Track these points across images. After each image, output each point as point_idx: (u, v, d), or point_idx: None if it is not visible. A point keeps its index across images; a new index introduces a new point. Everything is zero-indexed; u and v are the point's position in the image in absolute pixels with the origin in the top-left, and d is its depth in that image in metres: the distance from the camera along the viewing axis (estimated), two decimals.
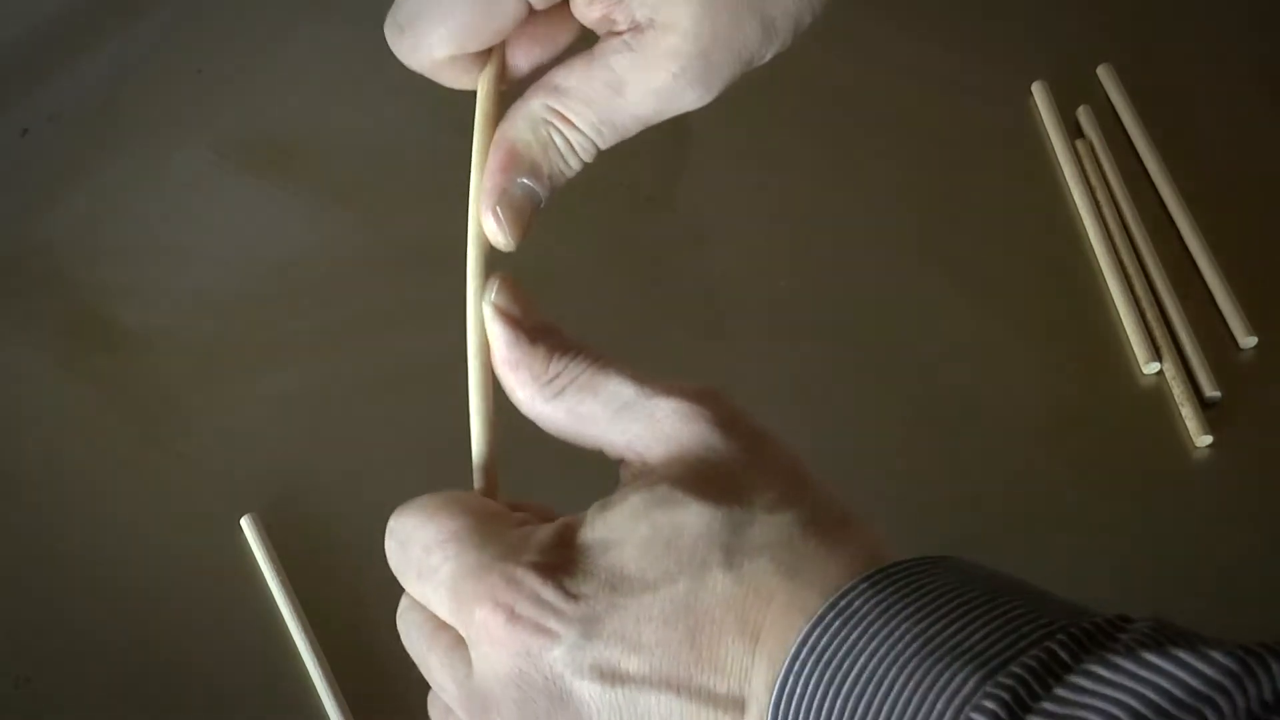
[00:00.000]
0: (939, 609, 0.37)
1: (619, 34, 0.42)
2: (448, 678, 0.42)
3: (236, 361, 0.69)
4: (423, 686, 0.44)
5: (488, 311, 0.44)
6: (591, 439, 0.43)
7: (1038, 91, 0.75)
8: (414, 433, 0.65)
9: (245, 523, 0.63)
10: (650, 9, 0.41)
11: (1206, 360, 0.66)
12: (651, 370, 0.43)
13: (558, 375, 0.43)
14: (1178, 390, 0.65)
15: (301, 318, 0.70)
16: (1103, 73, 0.75)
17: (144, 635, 0.61)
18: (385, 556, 0.44)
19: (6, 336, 0.70)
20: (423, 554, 0.41)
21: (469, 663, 0.41)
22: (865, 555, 0.39)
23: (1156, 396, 0.66)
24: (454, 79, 0.45)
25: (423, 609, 0.42)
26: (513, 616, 0.39)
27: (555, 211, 0.76)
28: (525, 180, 0.44)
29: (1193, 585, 0.61)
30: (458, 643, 0.41)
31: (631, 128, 0.43)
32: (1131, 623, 0.36)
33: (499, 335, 0.44)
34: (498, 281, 0.44)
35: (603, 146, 0.44)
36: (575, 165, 0.44)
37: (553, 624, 0.39)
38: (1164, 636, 0.35)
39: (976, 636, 0.36)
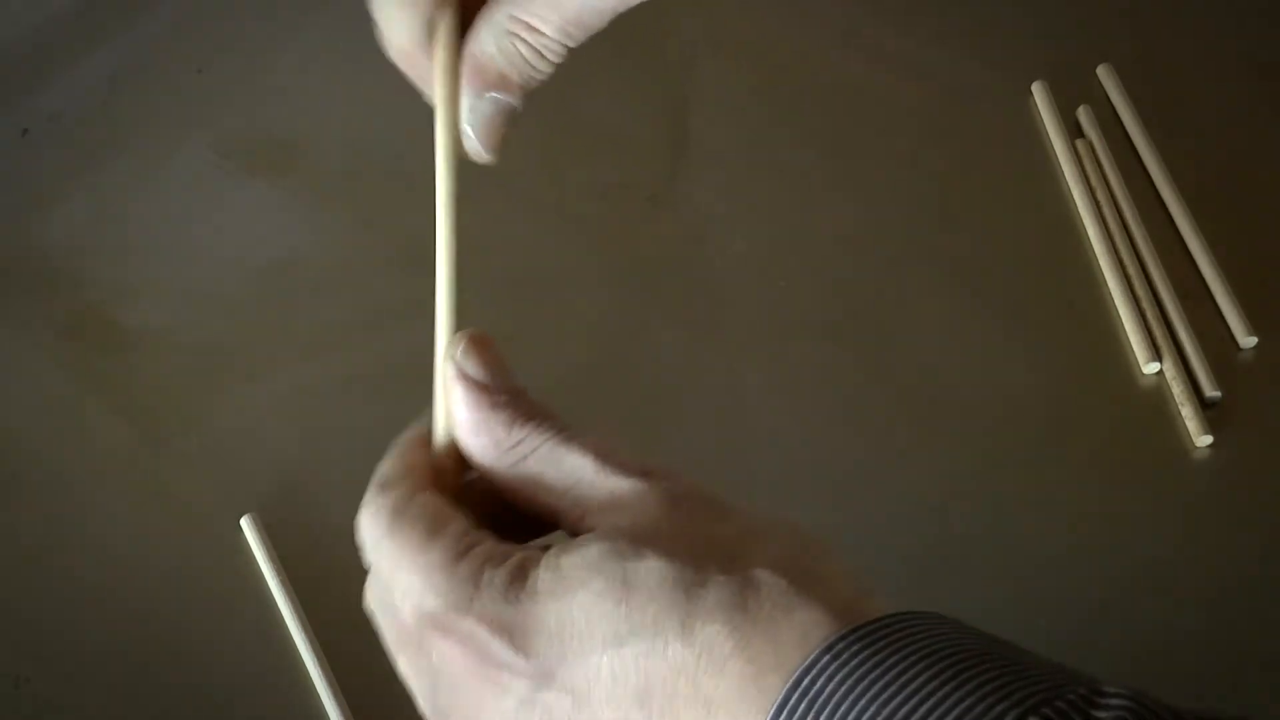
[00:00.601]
0: (907, 683, 0.35)
1: None
2: (412, 674, 0.42)
3: (236, 361, 0.69)
4: None
5: (450, 371, 0.43)
6: (547, 509, 0.42)
7: (1038, 91, 0.75)
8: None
9: (245, 523, 0.63)
10: None
11: (1206, 360, 0.66)
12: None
13: (519, 443, 0.42)
14: (1178, 390, 0.65)
15: (301, 318, 0.70)
16: (1103, 73, 0.75)
17: (144, 635, 0.61)
18: None
19: (6, 336, 0.70)
20: (388, 572, 0.42)
21: (430, 671, 0.41)
22: (828, 619, 0.37)
23: (1156, 396, 0.66)
24: (410, 20, 0.44)
25: (384, 602, 0.43)
26: (468, 665, 0.39)
27: (555, 211, 0.76)
28: (495, 94, 0.43)
29: (1192, 585, 0.61)
30: (418, 646, 0.41)
31: (598, 23, 0.43)
32: (1106, 697, 0.34)
33: (461, 398, 0.43)
34: (464, 341, 0.44)
35: (572, 45, 0.43)
36: (545, 69, 0.43)
37: (504, 678, 0.39)
38: (1143, 715, 0.34)
39: (950, 716, 0.34)
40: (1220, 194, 0.71)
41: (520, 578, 0.40)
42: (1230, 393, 0.65)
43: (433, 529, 0.41)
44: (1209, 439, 0.64)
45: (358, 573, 0.63)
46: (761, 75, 0.75)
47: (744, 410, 0.66)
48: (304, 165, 0.75)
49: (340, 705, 0.59)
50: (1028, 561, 0.61)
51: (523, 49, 0.43)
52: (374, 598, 0.44)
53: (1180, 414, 0.65)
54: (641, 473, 0.41)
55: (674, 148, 0.74)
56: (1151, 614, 0.60)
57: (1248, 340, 0.67)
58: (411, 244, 0.72)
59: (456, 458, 0.44)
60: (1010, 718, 0.34)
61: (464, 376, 0.43)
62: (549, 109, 0.78)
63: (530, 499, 0.42)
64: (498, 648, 0.39)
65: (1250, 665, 0.59)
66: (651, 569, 0.38)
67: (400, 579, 0.41)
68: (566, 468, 0.41)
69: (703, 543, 0.39)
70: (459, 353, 0.43)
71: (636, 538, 0.39)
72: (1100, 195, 0.71)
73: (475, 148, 0.44)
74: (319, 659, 0.60)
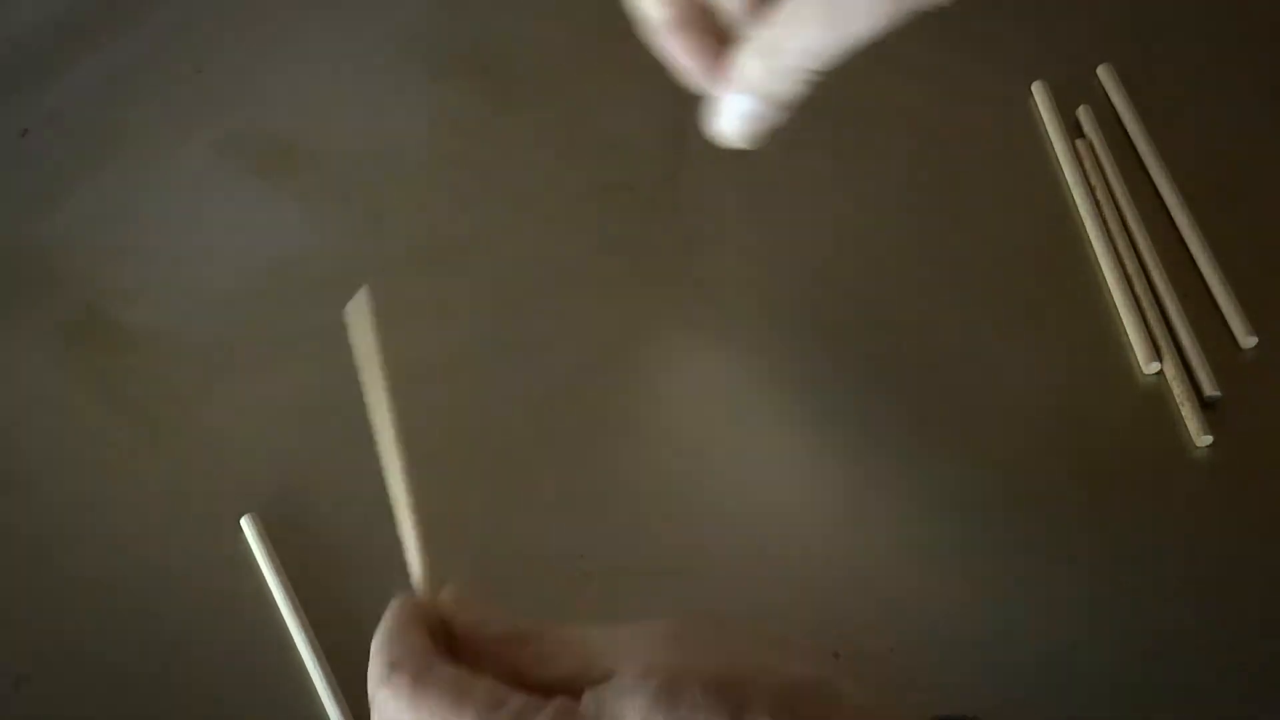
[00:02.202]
0: None
1: None
2: None
3: (236, 361, 0.69)
4: None
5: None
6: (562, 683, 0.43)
7: (1038, 91, 0.75)
8: (414, 432, 0.65)
9: (245, 523, 0.63)
10: None
11: (1206, 360, 0.66)
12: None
13: (505, 700, 0.42)
14: (1178, 390, 0.65)
15: (301, 318, 0.70)
16: (1103, 73, 0.75)
17: (144, 635, 0.61)
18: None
19: (6, 336, 0.70)
20: None
21: None
22: None
23: (1156, 396, 0.66)
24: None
25: None
26: None
27: (556, 211, 0.76)
28: (744, 95, 0.51)
29: (1192, 585, 0.61)
30: None
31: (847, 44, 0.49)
32: None
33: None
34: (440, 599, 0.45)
35: (817, 66, 0.49)
36: (790, 84, 0.50)
37: None
38: None
39: None
40: (1220, 194, 0.71)
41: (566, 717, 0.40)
42: (1230, 392, 0.65)
43: (460, 690, 0.42)
44: (1209, 438, 0.64)
45: (358, 573, 0.63)
46: None
47: (744, 410, 0.66)
48: (304, 165, 0.75)
49: (340, 705, 0.59)
50: (1027, 561, 0.61)
51: (769, 65, 0.50)
52: None
53: (1180, 414, 0.65)
54: (640, 622, 0.43)
55: (674, 148, 0.74)
56: (1152, 614, 0.60)
57: (1248, 340, 0.67)
58: (412, 244, 0.73)
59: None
60: None
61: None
62: (549, 109, 0.78)
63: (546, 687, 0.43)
64: None
65: (1250, 664, 0.59)
66: (697, 704, 0.39)
67: None
68: (567, 643, 0.43)
69: (737, 673, 0.40)
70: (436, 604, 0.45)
71: (677, 676, 0.40)
72: (1100, 195, 0.71)
73: (725, 132, 0.53)
74: (319, 659, 0.60)
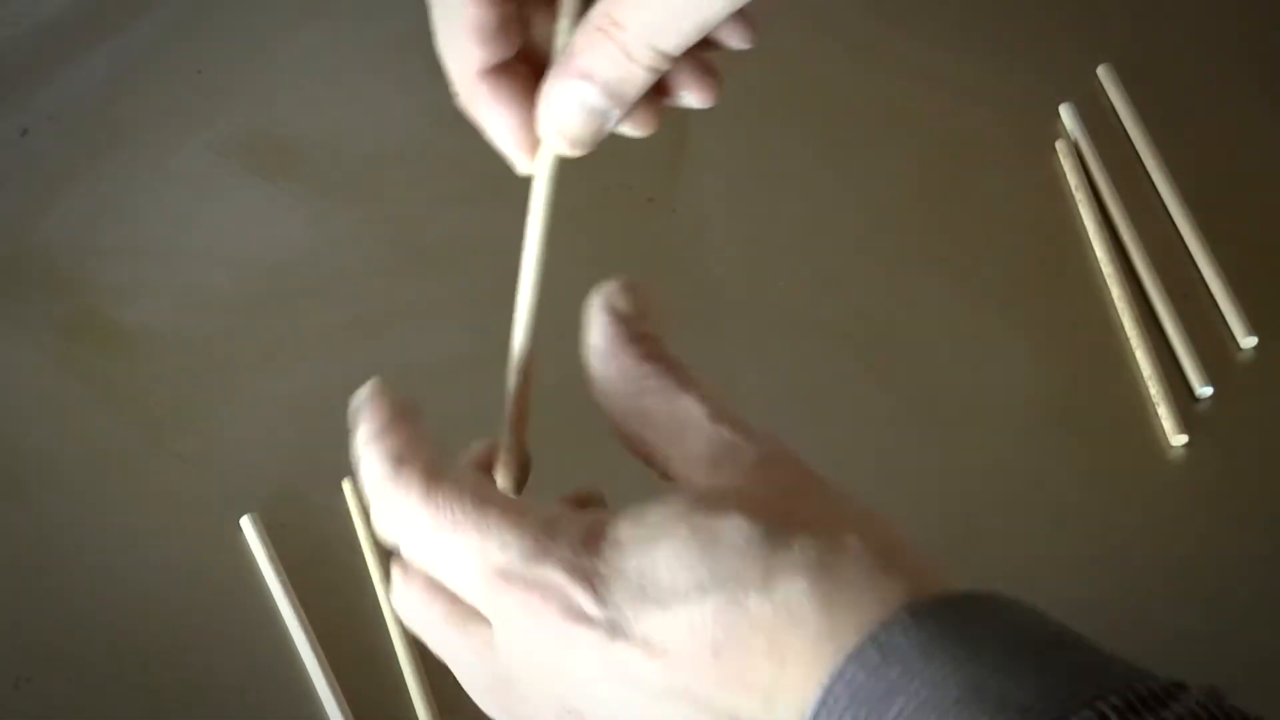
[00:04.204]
0: (984, 654, 0.35)
1: None
2: (467, 654, 0.41)
3: (236, 361, 0.69)
4: (423, 680, 0.44)
5: (598, 302, 0.44)
6: (649, 444, 0.42)
7: (1037, 92, 0.75)
8: None
9: (245, 523, 0.63)
10: None
11: (1206, 360, 0.66)
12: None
13: (645, 378, 0.42)
14: (1177, 389, 0.65)
15: (301, 318, 0.70)
16: (1103, 73, 0.75)
17: (144, 635, 0.61)
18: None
19: (6, 336, 0.70)
20: (438, 535, 0.40)
21: (490, 643, 0.40)
22: (909, 586, 0.37)
23: (1156, 396, 0.66)
24: (486, 42, 0.42)
25: (428, 582, 0.41)
26: (543, 618, 0.38)
27: (556, 211, 0.76)
28: (582, 84, 0.41)
29: (1192, 585, 0.61)
30: (473, 616, 0.40)
31: (688, 29, 0.40)
32: (1186, 691, 0.34)
33: (601, 327, 0.43)
34: (620, 283, 0.44)
35: (663, 48, 0.40)
36: (635, 70, 0.41)
37: (582, 628, 0.38)
38: (1217, 717, 0.34)
39: (1025, 690, 0.34)
40: (1220, 194, 0.71)
41: (597, 530, 0.39)
42: (1230, 392, 0.65)
43: (482, 490, 0.40)
44: (1208, 438, 0.64)
45: (358, 573, 0.63)
46: (760, 76, 0.75)
47: (743, 411, 0.66)
48: (304, 165, 0.75)
49: (340, 705, 0.59)
50: (1028, 560, 0.61)
51: (609, 46, 0.40)
52: (410, 582, 0.41)
53: (1180, 413, 0.65)
54: (745, 433, 0.41)
55: (674, 148, 0.74)
56: (1151, 614, 0.60)
57: (1247, 340, 0.67)
58: (412, 243, 0.73)
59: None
60: (1089, 694, 0.34)
61: (610, 309, 0.43)
62: None
63: (634, 434, 0.42)
64: (579, 595, 0.38)
65: (1248, 664, 0.58)
66: (738, 525, 0.38)
67: (453, 541, 0.39)
68: (679, 411, 0.41)
69: (787, 509, 0.39)
70: (612, 290, 0.44)
71: (725, 496, 0.39)
72: (1100, 195, 0.71)
73: (560, 142, 0.42)
74: (319, 659, 0.60)
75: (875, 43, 0.77)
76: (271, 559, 0.62)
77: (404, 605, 0.42)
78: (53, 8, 0.80)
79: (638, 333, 0.43)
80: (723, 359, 0.68)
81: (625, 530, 0.39)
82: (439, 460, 0.41)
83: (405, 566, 0.42)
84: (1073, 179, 0.72)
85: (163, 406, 0.68)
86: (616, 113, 0.41)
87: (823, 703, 0.35)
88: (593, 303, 0.44)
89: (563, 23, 0.42)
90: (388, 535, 0.41)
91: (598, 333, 0.43)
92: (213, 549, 0.63)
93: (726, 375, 0.68)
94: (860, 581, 0.37)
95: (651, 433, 0.42)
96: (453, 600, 0.41)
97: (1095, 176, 0.72)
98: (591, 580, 0.38)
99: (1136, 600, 0.60)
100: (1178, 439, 0.64)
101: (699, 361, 0.71)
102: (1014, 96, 0.75)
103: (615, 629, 0.38)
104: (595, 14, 0.41)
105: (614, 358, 0.43)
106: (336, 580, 0.62)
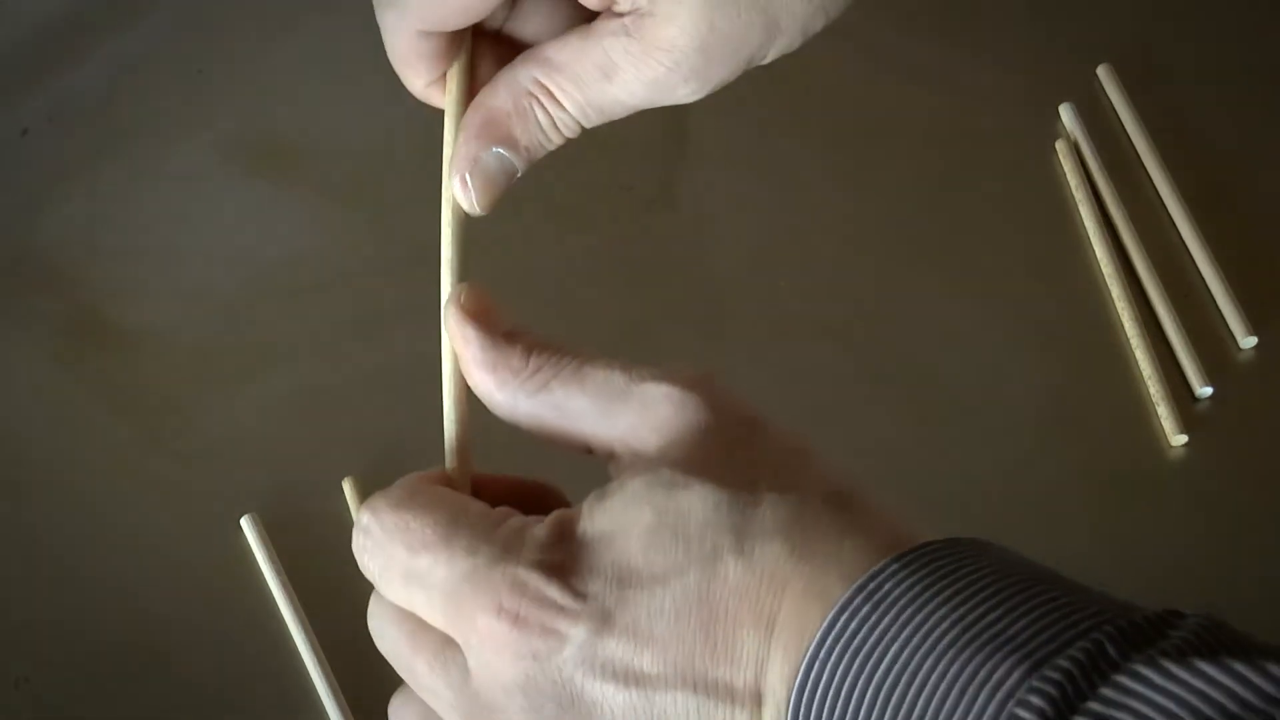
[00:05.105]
0: (976, 594, 0.34)
1: (619, 16, 0.40)
2: (441, 683, 0.39)
3: (236, 361, 0.69)
4: None
5: (455, 316, 0.42)
6: (579, 436, 0.41)
7: (1037, 91, 0.75)
8: (414, 432, 0.65)
9: (245, 523, 0.63)
10: None
11: (1205, 359, 0.66)
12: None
13: (539, 369, 0.41)
14: (1177, 389, 0.65)
15: (301, 318, 0.70)
16: (1103, 73, 0.75)
17: (144, 635, 0.61)
18: None
19: (6, 336, 0.70)
20: (408, 556, 0.39)
21: (464, 667, 0.39)
22: (887, 536, 0.37)
23: (1156, 396, 0.66)
24: (427, 68, 0.43)
25: (398, 609, 0.40)
26: (518, 620, 0.37)
27: (555, 211, 0.76)
28: (500, 150, 0.42)
29: (1192, 585, 0.61)
30: (446, 644, 0.39)
31: (618, 113, 0.42)
32: (1183, 618, 0.34)
33: (471, 338, 0.41)
34: (465, 288, 0.43)
35: (587, 126, 0.42)
36: (556, 140, 0.43)
37: (561, 625, 0.37)
38: (1216, 641, 0.34)
39: (1019, 625, 0.34)
40: (1220, 194, 0.71)
41: (563, 528, 0.38)
42: (1230, 391, 0.65)
43: (455, 506, 0.40)
44: (1208, 438, 0.64)
45: (358, 572, 0.62)
46: (760, 76, 0.75)
47: None
48: (304, 165, 0.75)
49: (340, 705, 0.59)
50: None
51: (539, 114, 0.42)
52: (385, 606, 0.41)
53: (1180, 413, 0.65)
54: (672, 381, 0.40)
55: (674, 148, 0.74)
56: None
57: (1247, 340, 0.67)
58: (412, 243, 0.72)
59: (466, 463, 0.43)
60: (1085, 626, 0.33)
61: (471, 316, 0.42)
62: None
63: (563, 430, 0.41)
64: (553, 591, 0.37)
65: None
66: (705, 495, 0.37)
67: (423, 558, 0.39)
68: (594, 384, 0.40)
69: (749, 462, 0.38)
70: (463, 296, 0.42)
71: (679, 463, 0.38)
72: (1100, 195, 0.71)
73: (469, 200, 0.43)
74: (319, 659, 0.60)
75: (876, 43, 0.77)
76: (271, 558, 0.62)
77: (380, 638, 0.42)
78: (53, 8, 0.80)
79: (507, 332, 0.42)
80: (723, 359, 0.68)
81: (591, 524, 0.38)
82: (416, 485, 0.41)
83: (379, 600, 0.41)
84: (1073, 179, 0.72)
85: (163, 406, 0.68)
86: (521, 170, 0.43)
87: (815, 658, 0.35)
88: (449, 318, 0.42)
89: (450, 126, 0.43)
90: (366, 570, 0.41)
91: (473, 346, 0.41)
92: (212, 549, 0.63)
93: (726, 375, 0.67)
94: (834, 534, 0.37)
95: (576, 420, 0.40)
96: (424, 628, 0.40)
97: (1095, 177, 0.72)
98: (566, 574, 0.37)
99: (1136, 600, 0.60)
100: (1178, 439, 0.64)
101: (699, 361, 0.71)
102: (1014, 96, 0.75)
103: (599, 625, 0.37)
104: (522, 77, 0.41)
105: (499, 362, 0.41)
106: (336, 580, 0.62)
